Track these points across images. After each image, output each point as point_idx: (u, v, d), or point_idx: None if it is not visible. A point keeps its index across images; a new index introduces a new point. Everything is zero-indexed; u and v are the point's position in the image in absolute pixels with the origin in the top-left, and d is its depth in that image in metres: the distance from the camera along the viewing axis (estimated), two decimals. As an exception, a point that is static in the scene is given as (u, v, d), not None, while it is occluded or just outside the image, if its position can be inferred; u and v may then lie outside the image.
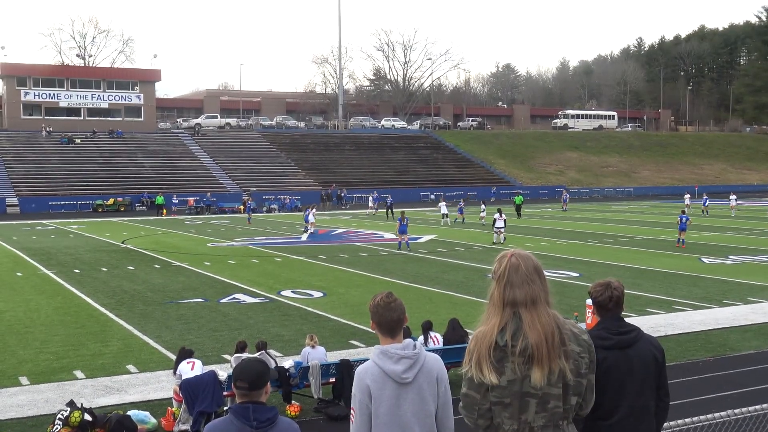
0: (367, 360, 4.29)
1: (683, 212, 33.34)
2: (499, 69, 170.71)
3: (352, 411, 4.23)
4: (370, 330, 16.24)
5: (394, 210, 49.89)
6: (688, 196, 56.47)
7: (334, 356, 12.96)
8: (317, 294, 20.97)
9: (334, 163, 79.91)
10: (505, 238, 34.42)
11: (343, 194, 67.62)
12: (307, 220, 39.31)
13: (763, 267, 25.74)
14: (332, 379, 11.55)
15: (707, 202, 53.63)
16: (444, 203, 46.80)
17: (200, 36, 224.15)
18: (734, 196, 53.24)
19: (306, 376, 11.37)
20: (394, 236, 37.18)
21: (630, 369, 4.36)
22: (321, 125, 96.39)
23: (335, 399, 11.45)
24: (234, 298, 20.24)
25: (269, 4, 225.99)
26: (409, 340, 4.29)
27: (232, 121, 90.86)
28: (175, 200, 59.78)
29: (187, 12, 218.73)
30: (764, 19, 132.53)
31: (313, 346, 11.98)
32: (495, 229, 34.50)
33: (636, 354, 4.40)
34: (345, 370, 11.43)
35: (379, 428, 4.14)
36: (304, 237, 37.68)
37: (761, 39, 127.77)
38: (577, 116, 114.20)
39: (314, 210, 41.96)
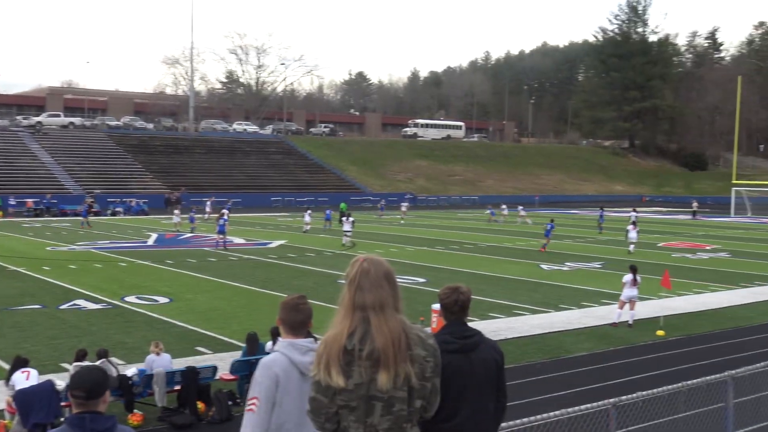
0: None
1: (552, 221, 37.01)
2: (352, 77, 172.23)
3: (254, 400, 4.17)
4: (217, 336, 16.05)
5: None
6: (505, 206, 60.88)
7: (180, 363, 12.70)
8: (163, 300, 20.47)
9: (184, 166, 78.17)
10: (353, 243, 35.04)
11: (174, 197, 64.99)
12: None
13: (596, 273, 27.22)
14: (177, 387, 11.33)
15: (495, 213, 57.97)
16: (309, 212, 45.01)
17: (43, 30, 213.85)
18: (521, 207, 59.08)
19: (150, 384, 11.10)
20: (243, 241, 36.98)
21: (472, 372, 4.45)
22: (171, 127, 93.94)
23: (180, 407, 11.24)
24: (74, 305, 19.46)
25: None
26: (311, 338, 4.37)
27: (77, 120, 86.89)
28: (12, 201, 56.53)
29: (29, 4, 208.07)
30: (600, 38, 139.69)
31: (158, 354, 11.71)
32: (344, 232, 35.87)
33: (478, 358, 4.50)
34: (191, 377, 11.25)
35: (280, 417, 4.15)
36: (150, 241, 36.73)
37: (598, 57, 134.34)
38: (427, 126, 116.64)
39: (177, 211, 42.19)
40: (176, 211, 42.37)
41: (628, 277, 18.05)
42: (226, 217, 35.62)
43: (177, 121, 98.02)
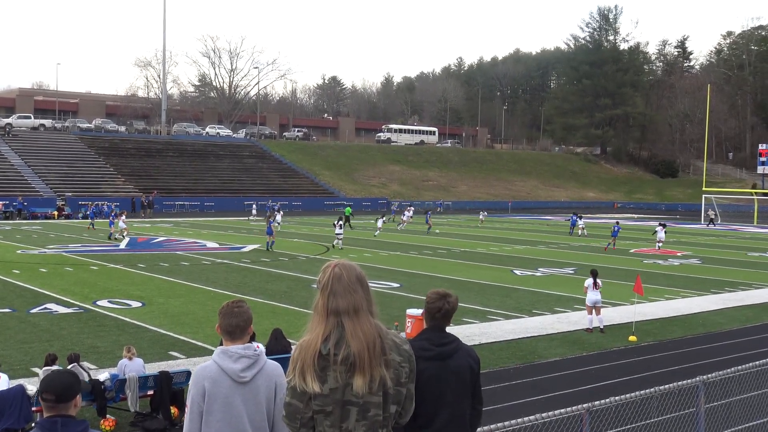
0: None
1: (617, 223, 42.40)
2: (326, 81, 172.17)
3: (186, 408, 4.27)
4: (190, 341, 15.96)
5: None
6: (484, 212, 62.54)
7: (153, 368, 12.62)
8: (136, 304, 20.31)
9: (156, 169, 77.68)
10: (339, 247, 36.18)
11: (146, 200, 64.13)
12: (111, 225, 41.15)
13: (569, 279, 27.36)
14: (150, 392, 11.24)
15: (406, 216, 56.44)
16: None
17: (13, 31, 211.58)
18: (484, 212, 62.58)
19: (122, 389, 11.01)
20: (217, 245, 36.93)
21: (448, 379, 4.46)
22: (143, 130, 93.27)
23: (153, 412, 11.16)
24: (45, 308, 19.24)
25: (88, 0, 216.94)
26: (251, 343, 4.36)
27: (47, 122, 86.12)
28: (-19, 204, 55.92)
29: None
30: (572, 46, 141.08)
31: (130, 358, 11.62)
32: (336, 234, 36.77)
33: (454, 364, 4.51)
34: (164, 382, 11.17)
35: (211, 426, 4.16)
36: (122, 245, 36.46)
37: (569, 65, 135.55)
38: (400, 131, 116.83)
39: (124, 216, 42.12)
40: (123, 216, 41.91)
41: (588, 281, 18.23)
42: (278, 218, 36.94)
43: (149, 124, 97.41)
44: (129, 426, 10.88)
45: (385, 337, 3.87)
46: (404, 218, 54.93)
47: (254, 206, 62.09)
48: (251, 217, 58.24)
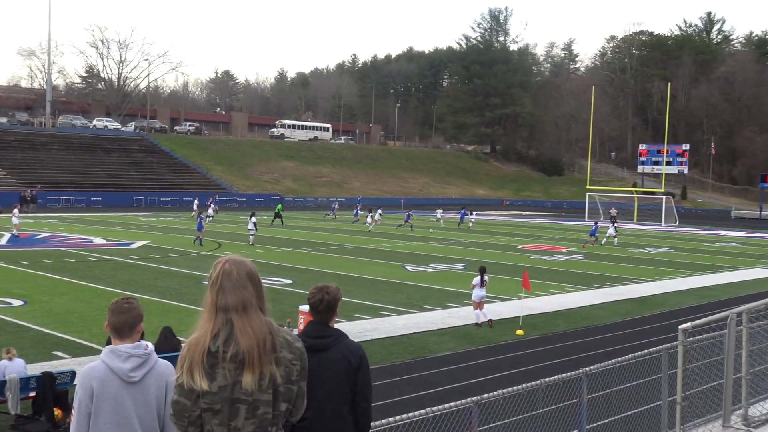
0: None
1: (596, 223, 45.92)
2: (218, 75, 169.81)
3: (73, 409, 4.15)
4: (75, 340, 15.48)
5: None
6: (440, 210, 62.39)
7: (35, 368, 12.18)
8: (17, 302, 19.53)
9: (40, 162, 74.81)
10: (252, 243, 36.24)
11: (29, 195, 60.91)
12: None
13: (460, 275, 27.85)
14: (32, 393, 10.86)
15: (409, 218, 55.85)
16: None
17: None
18: (440, 210, 61.97)
19: (2, 391, 10.59)
20: (104, 241, 35.95)
21: (318, 372, 4.48)
22: (26, 122, 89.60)
23: (35, 414, 10.78)
24: None
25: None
26: (142, 342, 4.26)
27: None
28: None
29: None
30: (464, 46, 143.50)
31: (10, 359, 11.18)
32: (250, 230, 37.19)
33: (327, 358, 4.55)
34: (47, 383, 10.81)
35: (100, 428, 4.07)
36: (3, 240, 35.00)
37: (461, 64, 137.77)
38: (294, 126, 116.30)
39: (16, 211, 40.07)
40: (15, 211, 40.18)
41: (476, 279, 18.68)
42: (209, 213, 37.93)
43: (33, 116, 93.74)
44: (9, 429, 10.48)
45: (276, 335, 3.84)
46: (375, 219, 51.73)
47: (195, 202, 60.20)
48: (193, 214, 55.60)
